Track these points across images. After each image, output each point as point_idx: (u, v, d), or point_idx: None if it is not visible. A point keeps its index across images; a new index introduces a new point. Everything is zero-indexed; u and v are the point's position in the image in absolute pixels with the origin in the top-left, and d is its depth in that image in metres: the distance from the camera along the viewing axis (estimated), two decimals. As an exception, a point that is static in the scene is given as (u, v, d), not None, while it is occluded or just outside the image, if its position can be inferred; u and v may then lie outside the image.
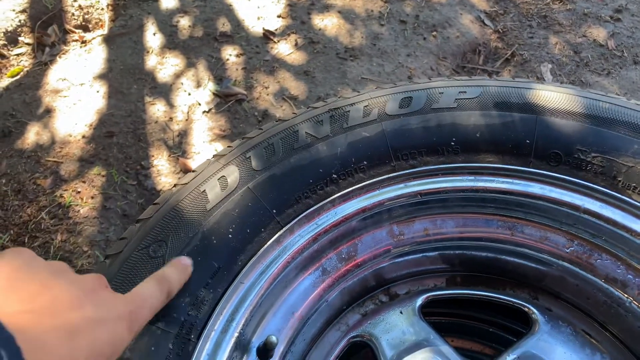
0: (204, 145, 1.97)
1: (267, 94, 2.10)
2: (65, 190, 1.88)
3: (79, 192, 1.88)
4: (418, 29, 2.26)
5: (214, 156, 0.85)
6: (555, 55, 2.13)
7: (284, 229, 0.74)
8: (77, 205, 1.84)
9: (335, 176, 0.78)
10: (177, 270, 0.66)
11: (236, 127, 2.02)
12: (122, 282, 0.68)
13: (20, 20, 2.49)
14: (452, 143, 0.78)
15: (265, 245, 0.73)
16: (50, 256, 1.73)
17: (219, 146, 1.95)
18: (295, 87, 2.12)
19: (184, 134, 2.01)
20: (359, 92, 0.90)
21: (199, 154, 1.95)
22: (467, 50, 2.21)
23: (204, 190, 0.75)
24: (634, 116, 0.75)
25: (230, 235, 0.72)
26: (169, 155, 1.94)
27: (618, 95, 0.81)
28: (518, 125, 0.77)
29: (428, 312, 0.86)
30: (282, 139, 0.81)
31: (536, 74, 2.08)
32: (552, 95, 0.79)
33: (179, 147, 1.97)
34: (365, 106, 0.83)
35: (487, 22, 2.28)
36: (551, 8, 2.30)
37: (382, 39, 2.23)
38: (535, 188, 0.76)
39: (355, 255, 0.80)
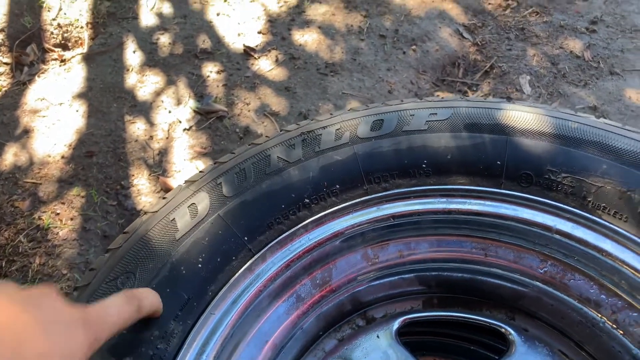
0: (185, 163, 1.95)
1: (249, 111, 2.10)
2: (44, 212, 1.86)
3: (58, 213, 1.85)
4: (397, 43, 2.27)
5: (185, 182, 0.84)
6: (534, 67, 2.15)
7: (256, 256, 0.73)
8: (56, 227, 1.81)
9: (307, 201, 0.77)
10: (150, 291, 0.65)
11: (217, 144, 2.01)
12: (89, 316, 0.67)
13: (-2, 40, 2.46)
14: (424, 165, 0.78)
15: (237, 274, 0.72)
16: (28, 280, 1.69)
17: (200, 164, 1.94)
18: (277, 103, 2.12)
19: (164, 153, 1.99)
20: (331, 114, 0.90)
21: (179, 172, 1.93)
22: (447, 64, 2.22)
23: (174, 219, 0.74)
24: (601, 135, 0.75)
25: (200, 265, 0.71)
26: (150, 174, 1.93)
27: (586, 114, 0.81)
28: (489, 147, 0.77)
29: (407, 331, 0.85)
30: (253, 163, 0.80)
31: (515, 86, 2.10)
32: (522, 116, 0.79)
33: (159, 166, 1.95)
34: (337, 129, 0.82)
35: (465, 35, 2.30)
36: (528, 20, 2.33)
37: (362, 53, 2.24)
38: (507, 209, 0.76)
39: (329, 280, 0.80)
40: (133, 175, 1.93)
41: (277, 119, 2.06)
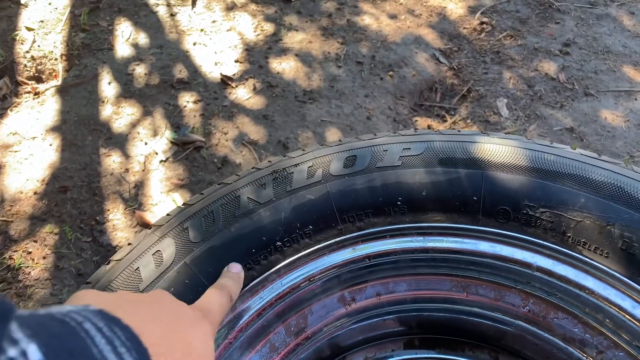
0: (162, 196, 1.91)
1: (227, 140, 2.07)
2: (15, 251, 1.79)
3: (29, 252, 1.79)
4: (375, 69, 2.27)
5: (152, 226, 0.80)
6: (510, 89, 2.16)
7: (225, 305, 0.69)
8: (28, 266, 1.75)
9: (279, 244, 0.74)
10: (232, 279, 0.69)
11: (195, 176, 1.97)
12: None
13: (-31, 74, 2.41)
14: (399, 203, 0.75)
15: (205, 326, 0.67)
16: (-3, 324, 1.62)
17: (177, 196, 1.90)
18: (255, 131, 2.09)
19: (140, 186, 1.95)
20: (303, 150, 0.87)
21: (156, 206, 1.89)
22: (424, 89, 2.23)
23: (137, 268, 0.70)
24: (578, 168, 0.74)
25: (165, 318, 0.67)
26: (125, 209, 1.88)
27: (562, 145, 0.80)
28: (464, 182, 0.75)
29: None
30: (222, 205, 0.77)
31: (492, 109, 2.10)
32: (497, 149, 0.77)
33: (135, 200, 1.90)
34: (310, 167, 0.80)
35: (442, 59, 2.31)
36: (503, 44, 2.36)
37: (340, 80, 2.24)
38: (485, 246, 0.73)
39: (305, 326, 0.76)
40: (108, 210, 1.87)
41: (256, 148, 2.04)
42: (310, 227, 0.75)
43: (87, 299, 0.47)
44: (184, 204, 0.83)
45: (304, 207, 0.76)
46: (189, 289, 0.69)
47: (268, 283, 0.72)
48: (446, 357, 0.80)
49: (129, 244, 0.78)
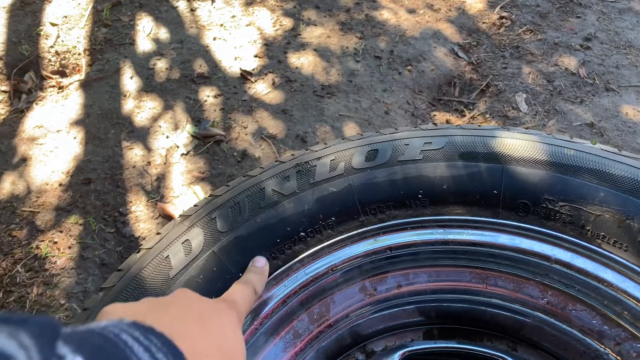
0: (183, 188, 1.95)
1: (246, 134, 2.10)
2: (41, 241, 1.84)
3: (55, 242, 1.84)
4: (393, 63, 2.28)
5: (180, 216, 0.83)
6: (529, 84, 2.15)
7: (252, 293, 0.72)
8: (54, 256, 1.80)
9: (303, 234, 0.76)
10: (256, 273, 0.71)
11: (215, 169, 2.00)
12: (82, 359, 0.65)
13: (-4, 68, 2.47)
14: (420, 196, 0.77)
15: (232, 312, 0.70)
16: (26, 311, 1.68)
17: (198, 189, 1.93)
18: (274, 126, 2.12)
19: (162, 178, 1.99)
20: (326, 144, 0.89)
21: (177, 198, 1.93)
22: (443, 83, 2.23)
23: (167, 256, 0.73)
24: (598, 163, 0.75)
25: (195, 304, 0.69)
26: (147, 201, 1.92)
27: (582, 140, 0.81)
28: (485, 176, 0.76)
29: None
30: (248, 197, 0.79)
31: (511, 104, 2.10)
32: (517, 143, 0.79)
33: (157, 192, 1.94)
34: (332, 160, 0.82)
35: (460, 54, 2.31)
36: (522, 38, 2.34)
37: (358, 75, 2.25)
38: (505, 239, 0.75)
39: (327, 314, 0.78)
40: (131, 202, 1.92)
41: (275, 142, 2.06)
42: (333, 218, 0.77)
43: (117, 312, 0.50)
44: (210, 195, 0.86)
45: (327, 199, 0.78)
46: (217, 276, 0.72)
47: (292, 272, 0.75)
48: (465, 347, 0.82)
49: (158, 233, 0.81)
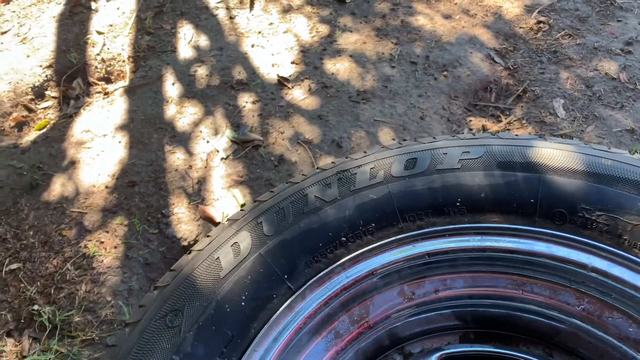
0: (223, 191, 2.01)
1: (283, 139, 2.15)
2: (89, 240, 1.94)
3: (102, 242, 1.93)
4: (429, 69, 2.30)
5: (227, 220, 0.88)
6: (567, 90, 2.14)
7: (296, 294, 0.76)
8: (101, 255, 1.89)
9: (344, 239, 0.80)
10: None
11: (253, 173, 2.06)
12: (141, 352, 0.71)
13: (46, 75, 2.61)
14: (458, 204, 0.80)
15: (278, 312, 0.75)
16: (75, 307, 1.77)
17: (237, 192, 2.00)
18: (310, 131, 2.17)
19: (203, 181, 2.06)
20: (365, 152, 0.93)
21: (217, 201, 1.99)
22: (479, 89, 2.23)
23: (218, 258, 0.78)
24: (636, 173, 0.76)
25: (243, 303, 0.74)
26: (189, 203, 1.99)
27: (620, 150, 0.82)
28: (522, 185, 0.79)
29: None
30: (292, 203, 0.84)
31: (549, 110, 2.08)
32: (554, 153, 0.80)
33: (198, 195, 2.01)
34: (372, 168, 0.85)
35: (497, 59, 2.31)
36: (561, 43, 2.32)
37: (393, 80, 2.27)
38: (542, 247, 0.77)
39: (367, 316, 0.82)
40: (173, 204, 2.00)
41: (311, 147, 2.11)
42: (373, 224, 0.81)
43: None
44: (255, 200, 0.90)
45: (367, 205, 0.82)
46: (264, 277, 0.77)
47: (334, 275, 0.79)
48: (501, 351, 0.84)
49: (208, 235, 0.86)
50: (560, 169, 0.79)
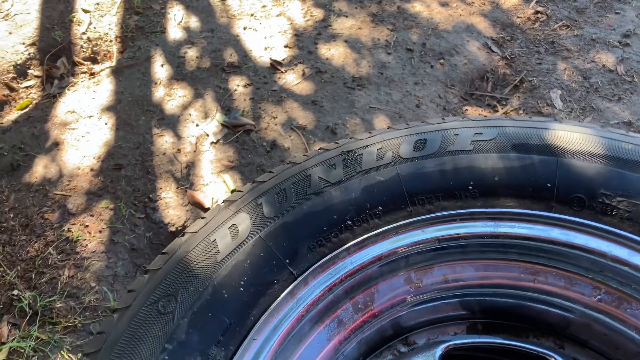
0: (212, 176, 1.95)
1: (276, 124, 2.09)
2: (73, 224, 1.87)
3: (86, 226, 1.86)
4: (425, 57, 2.25)
5: (224, 202, 0.82)
6: (565, 81, 2.11)
7: (298, 280, 0.72)
8: (85, 239, 1.82)
9: (349, 223, 0.75)
10: None
11: (244, 158, 2.00)
12: (131, 339, 0.65)
13: (29, 54, 2.51)
14: (470, 187, 0.76)
15: (279, 298, 0.70)
16: (57, 292, 1.70)
17: (228, 177, 1.94)
18: (304, 117, 2.11)
19: (192, 166, 1.99)
20: (370, 132, 0.88)
21: (207, 186, 1.93)
22: (475, 78, 2.20)
23: (214, 240, 0.73)
24: (659, 158, 0.72)
25: (241, 289, 0.69)
26: (177, 188, 1.93)
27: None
28: (538, 168, 0.75)
29: (450, 357, 0.82)
30: (294, 184, 0.79)
31: (546, 101, 2.06)
32: (572, 137, 0.76)
33: (187, 179, 1.95)
34: (379, 149, 0.81)
35: (494, 48, 2.27)
36: (558, 34, 2.29)
37: (389, 67, 2.23)
38: (559, 234, 0.73)
39: (372, 304, 0.77)
40: (161, 189, 1.93)
41: (304, 133, 2.05)
42: (380, 208, 0.76)
43: None
44: (254, 181, 0.85)
45: (374, 188, 0.77)
46: (264, 262, 0.72)
47: (338, 260, 0.74)
48: (510, 342, 0.80)
49: (203, 217, 0.81)
50: (578, 152, 0.75)
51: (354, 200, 0.76)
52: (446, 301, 0.80)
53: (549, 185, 0.74)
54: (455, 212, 0.75)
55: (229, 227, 0.74)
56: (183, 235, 0.79)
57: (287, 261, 0.72)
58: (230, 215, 0.76)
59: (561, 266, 0.75)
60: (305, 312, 0.71)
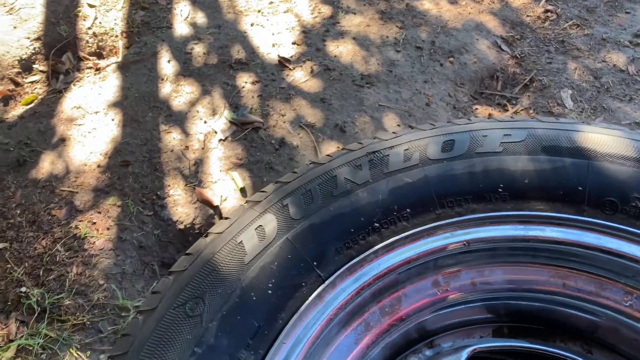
0: (221, 174, 1.94)
1: (284, 122, 2.08)
2: (80, 221, 1.85)
3: (94, 223, 1.85)
4: (434, 55, 2.24)
5: (247, 202, 0.81)
6: (575, 80, 2.10)
7: (326, 283, 0.70)
8: (93, 236, 1.81)
9: (377, 225, 0.74)
10: None
11: (253, 156, 1.99)
12: (159, 342, 0.64)
13: (34, 48, 2.49)
14: (500, 190, 0.75)
15: (307, 302, 0.69)
16: (65, 290, 1.69)
17: (236, 175, 1.92)
18: (312, 114, 2.10)
19: (200, 163, 1.98)
20: (395, 132, 0.87)
21: (215, 183, 1.92)
22: (485, 76, 2.19)
23: (241, 242, 0.72)
24: (693, 162, 0.71)
25: (270, 291, 0.68)
26: (185, 185, 1.91)
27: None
28: (569, 171, 0.74)
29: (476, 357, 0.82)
30: (319, 184, 0.78)
31: (556, 100, 2.05)
32: (603, 139, 0.75)
33: (195, 177, 1.94)
34: (406, 150, 0.79)
35: (504, 47, 2.26)
36: (568, 33, 2.28)
37: (398, 65, 2.21)
38: (590, 238, 0.72)
39: (399, 308, 0.76)
40: (169, 186, 1.92)
41: (313, 131, 2.04)
42: (408, 210, 0.75)
43: None
44: (277, 181, 0.84)
45: (402, 189, 0.76)
46: (292, 264, 0.70)
47: (366, 263, 0.73)
48: (536, 346, 0.79)
49: (226, 218, 0.79)
50: (610, 155, 0.74)
51: (382, 202, 0.75)
52: (473, 304, 0.79)
53: (580, 188, 0.73)
54: (485, 214, 0.74)
55: (256, 228, 0.73)
56: (207, 236, 0.77)
57: (315, 263, 0.71)
58: (256, 216, 0.75)
59: (592, 270, 0.74)
60: (333, 315, 0.70)
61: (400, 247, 0.74)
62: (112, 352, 0.66)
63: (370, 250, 0.73)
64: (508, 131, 0.78)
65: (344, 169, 0.79)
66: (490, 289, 0.78)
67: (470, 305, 0.81)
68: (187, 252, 0.78)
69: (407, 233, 0.74)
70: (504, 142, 0.77)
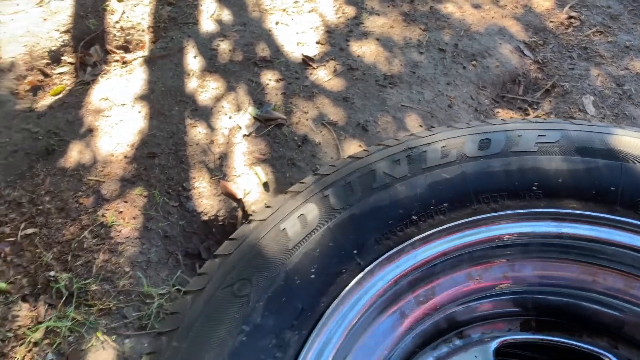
0: (244, 168, 1.98)
1: (307, 119, 2.11)
2: (107, 209, 1.90)
3: (121, 212, 1.90)
4: (457, 57, 2.26)
5: (288, 192, 0.85)
6: (597, 87, 2.11)
7: (365, 270, 0.74)
8: (119, 225, 1.85)
9: (415, 218, 0.77)
10: None
11: (276, 151, 2.03)
12: (207, 320, 0.68)
13: (63, 40, 2.55)
14: (534, 188, 0.77)
15: (347, 288, 0.72)
16: (92, 275, 1.73)
17: (260, 170, 1.96)
18: (335, 113, 2.13)
19: (224, 157, 2.02)
20: (430, 130, 0.90)
21: (239, 177, 1.96)
22: (507, 80, 2.21)
23: (284, 229, 0.75)
24: None
25: (312, 276, 0.72)
26: (210, 178, 1.96)
27: None
28: (602, 172, 0.76)
29: (504, 353, 0.84)
30: (359, 177, 0.81)
31: (578, 106, 2.06)
32: (637, 142, 0.78)
33: (220, 170, 1.98)
34: (443, 147, 0.82)
35: (526, 52, 2.28)
36: (592, 40, 2.30)
37: (421, 66, 2.24)
38: (623, 236, 0.75)
39: (432, 298, 0.79)
40: (194, 178, 1.96)
41: (335, 129, 2.07)
42: (445, 204, 0.78)
43: None
44: (315, 173, 0.87)
45: (440, 185, 0.79)
46: (333, 252, 0.74)
47: (404, 254, 0.76)
48: (563, 340, 0.82)
49: (268, 206, 0.83)
50: (643, 158, 0.77)
51: (420, 196, 0.78)
52: (503, 297, 0.82)
53: (612, 188, 0.76)
54: (519, 211, 0.77)
55: (298, 217, 0.76)
56: (250, 223, 0.81)
57: (355, 252, 0.74)
58: (299, 205, 0.78)
59: (622, 268, 0.77)
60: (372, 302, 0.73)
61: (437, 239, 0.77)
62: (163, 328, 0.70)
63: (408, 242, 0.76)
64: (542, 132, 0.81)
65: (382, 163, 0.82)
66: (520, 282, 0.81)
67: (500, 298, 0.84)
68: (231, 237, 0.81)
69: (443, 226, 0.77)
70: (539, 142, 0.80)
